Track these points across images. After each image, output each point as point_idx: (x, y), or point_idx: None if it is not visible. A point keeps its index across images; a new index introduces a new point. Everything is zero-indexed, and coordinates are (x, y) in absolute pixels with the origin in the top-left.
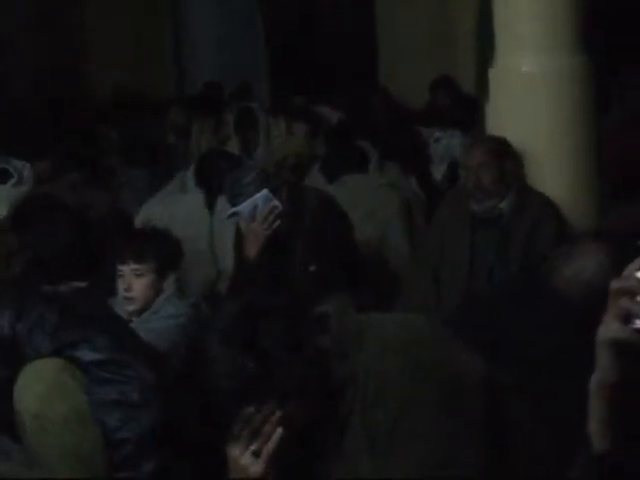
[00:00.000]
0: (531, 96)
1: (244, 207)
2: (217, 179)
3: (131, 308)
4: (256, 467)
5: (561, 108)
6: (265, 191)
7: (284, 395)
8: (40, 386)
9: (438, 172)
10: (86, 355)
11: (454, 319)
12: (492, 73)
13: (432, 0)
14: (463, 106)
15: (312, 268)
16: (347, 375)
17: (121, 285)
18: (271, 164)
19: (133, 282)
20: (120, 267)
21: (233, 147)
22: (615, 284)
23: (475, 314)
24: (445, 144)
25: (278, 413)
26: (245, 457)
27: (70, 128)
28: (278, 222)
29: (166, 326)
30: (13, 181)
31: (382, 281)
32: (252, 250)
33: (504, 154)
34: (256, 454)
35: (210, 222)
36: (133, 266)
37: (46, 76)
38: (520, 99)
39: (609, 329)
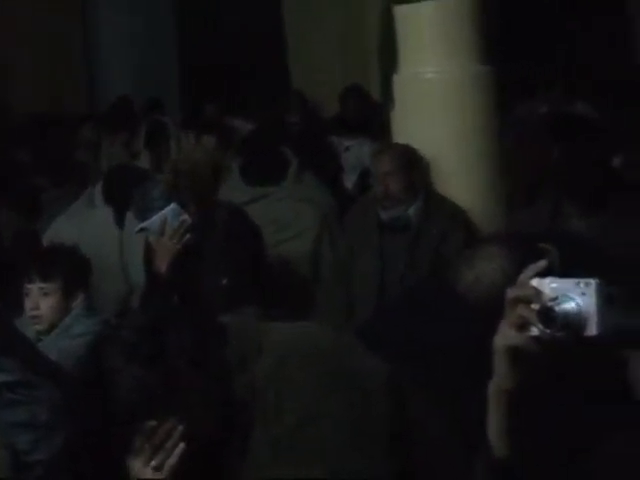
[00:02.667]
0: (435, 102)
1: (153, 222)
2: (125, 194)
3: (38, 327)
4: None
5: (464, 114)
6: (174, 205)
7: (186, 409)
8: None
9: (349, 181)
10: None
11: (366, 326)
12: (396, 80)
13: (340, 9)
14: (373, 114)
15: (223, 282)
16: (247, 385)
17: (28, 304)
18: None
19: (40, 301)
20: (27, 286)
21: (144, 162)
22: (510, 292)
23: (384, 320)
24: (356, 153)
25: (180, 427)
26: (146, 472)
27: None
28: (188, 236)
29: (75, 345)
30: None
31: (295, 294)
32: (162, 265)
33: (411, 161)
34: (158, 469)
35: (120, 237)
36: (40, 285)
37: None
38: (424, 105)
39: (505, 336)
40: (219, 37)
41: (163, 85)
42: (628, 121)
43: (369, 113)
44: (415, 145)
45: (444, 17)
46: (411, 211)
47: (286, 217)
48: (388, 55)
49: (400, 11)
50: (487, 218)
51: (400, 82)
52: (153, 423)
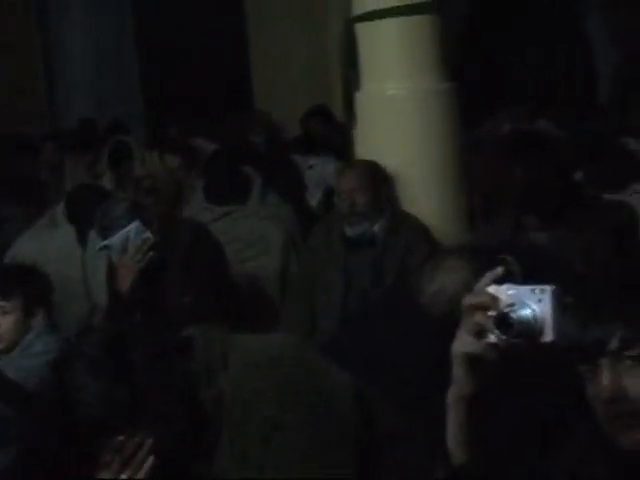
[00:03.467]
0: (397, 119)
1: (115, 240)
2: (88, 213)
3: None
4: None
5: (427, 131)
6: (137, 223)
7: (154, 422)
8: None
9: (313, 199)
10: None
11: (331, 340)
12: (359, 97)
13: (303, 27)
14: (337, 133)
15: (186, 299)
16: (214, 397)
17: None
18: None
19: None
20: None
21: (107, 182)
22: (468, 300)
23: (348, 333)
24: (319, 171)
25: (149, 441)
26: None
27: None
28: (151, 254)
29: (36, 363)
30: None
31: (260, 311)
32: (125, 283)
33: (376, 177)
34: None
35: (82, 256)
36: None
37: None
38: (386, 122)
39: (463, 343)
40: (182, 58)
41: (126, 107)
42: (588, 137)
43: (332, 133)
44: (378, 161)
45: (406, 34)
46: (376, 227)
47: (251, 235)
48: (350, 72)
49: (362, 28)
50: (449, 233)
51: (363, 99)
52: (121, 437)
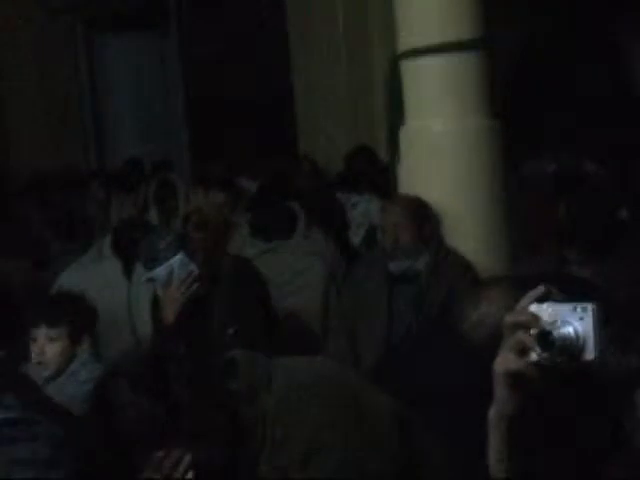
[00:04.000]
0: (441, 156)
1: (160, 272)
2: (133, 246)
3: (45, 373)
4: None
5: (470, 167)
6: (181, 255)
7: (193, 439)
8: None
9: (356, 237)
10: None
11: (373, 366)
12: (403, 134)
13: (348, 66)
14: (380, 172)
15: (230, 332)
16: (256, 417)
17: (34, 349)
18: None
19: (46, 347)
20: (33, 331)
21: (153, 218)
22: (509, 318)
23: (391, 360)
24: (363, 209)
25: (188, 457)
26: None
27: None
28: (195, 286)
29: (81, 390)
30: None
31: (302, 345)
32: (169, 315)
33: (420, 213)
34: None
35: (127, 289)
36: (46, 330)
37: None
38: (430, 159)
39: (505, 361)
40: (228, 100)
41: (171, 145)
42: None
43: (375, 172)
44: (422, 197)
45: (451, 71)
46: (420, 263)
47: (294, 270)
48: (395, 109)
49: (407, 65)
50: (492, 270)
51: (407, 135)
52: (161, 453)
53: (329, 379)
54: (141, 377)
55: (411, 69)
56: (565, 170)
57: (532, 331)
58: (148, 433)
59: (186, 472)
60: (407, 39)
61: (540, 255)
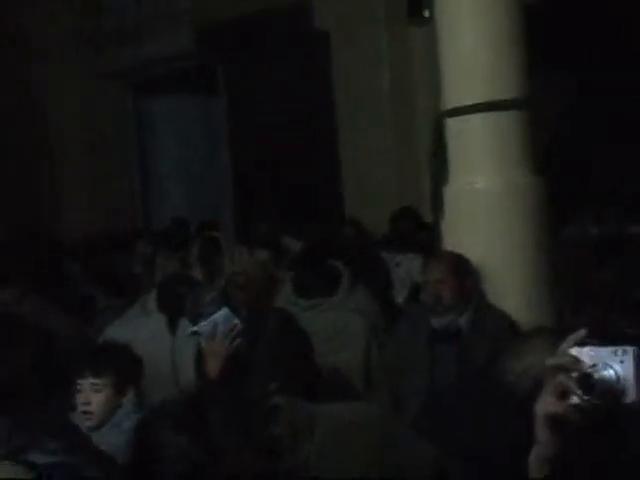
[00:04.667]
0: (484, 213)
1: (204, 326)
2: (178, 301)
3: (89, 423)
4: None
5: (514, 225)
6: (225, 309)
7: None
8: None
9: (400, 295)
10: (39, 459)
11: (415, 416)
12: (447, 191)
13: (393, 126)
14: (424, 233)
15: (272, 387)
16: (299, 462)
17: (79, 399)
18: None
19: (91, 396)
20: (79, 381)
21: (197, 276)
22: (550, 361)
23: (431, 410)
24: (406, 268)
25: None
26: None
27: (37, 262)
28: (238, 341)
29: (124, 440)
30: None
31: (342, 401)
32: (213, 368)
33: (462, 270)
34: None
35: (172, 344)
36: (91, 380)
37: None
38: (474, 216)
39: (546, 404)
40: (273, 161)
41: (217, 206)
42: None
43: (419, 232)
44: (465, 254)
45: (495, 129)
46: (462, 319)
47: (336, 327)
48: (439, 166)
49: (451, 123)
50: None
51: (450, 193)
52: None
53: (372, 426)
54: (182, 418)
55: (455, 127)
56: (608, 232)
57: (573, 374)
58: (187, 474)
59: None
60: (452, 98)
61: (582, 317)
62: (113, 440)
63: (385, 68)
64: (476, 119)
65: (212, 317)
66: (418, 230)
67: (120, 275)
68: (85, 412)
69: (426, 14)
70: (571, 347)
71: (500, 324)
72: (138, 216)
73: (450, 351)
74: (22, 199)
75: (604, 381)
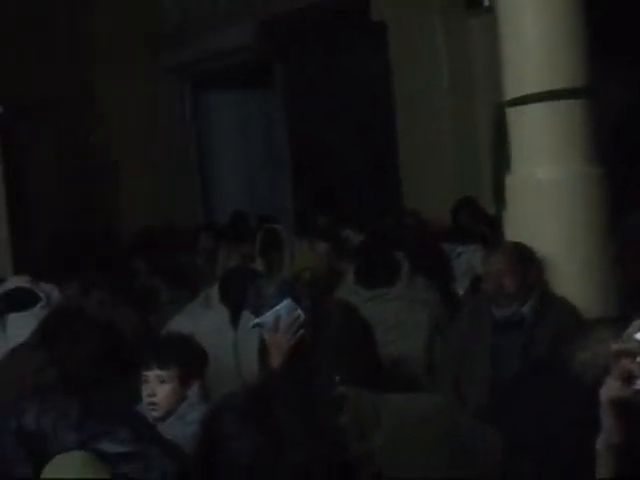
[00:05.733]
0: (547, 203)
1: (267, 317)
2: (240, 294)
3: (155, 414)
4: None
5: (576, 214)
6: (288, 301)
7: (300, 472)
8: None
9: (460, 286)
10: (110, 447)
11: (479, 407)
12: (509, 181)
13: (453, 115)
14: (485, 224)
15: (336, 379)
16: (365, 452)
17: (145, 391)
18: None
19: (157, 388)
20: (145, 373)
21: (258, 268)
22: (615, 346)
23: (496, 401)
24: (467, 259)
25: None
26: None
27: (101, 256)
28: (301, 332)
29: (190, 431)
30: (42, 303)
31: (405, 392)
32: (276, 360)
33: (525, 259)
34: None
35: (234, 336)
36: (157, 372)
37: (77, 213)
38: (536, 206)
39: (611, 389)
40: (332, 153)
41: (277, 199)
42: None
43: (480, 223)
44: (527, 244)
45: (558, 119)
46: (525, 309)
47: (398, 317)
48: (500, 156)
49: (514, 112)
50: (600, 316)
51: (513, 183)
52: None
53: (439, 415)
54: (248, 410)
55: (517, 117)
56: None
57: (638, 359)
58: (254, 466)
59: None
60: (515, 86)
61: None
62: (178, 432)
63: (443, 59)
64: (538, 108)
65: (275, 309)
66: (479, 222)
67: (183, 268)
68: (150, 403)
69: (486, 3)
70: (636, 332)
71: (564, 313)
72: (199, 210)
73: (513, 341)
74: (86, 195)
75: None
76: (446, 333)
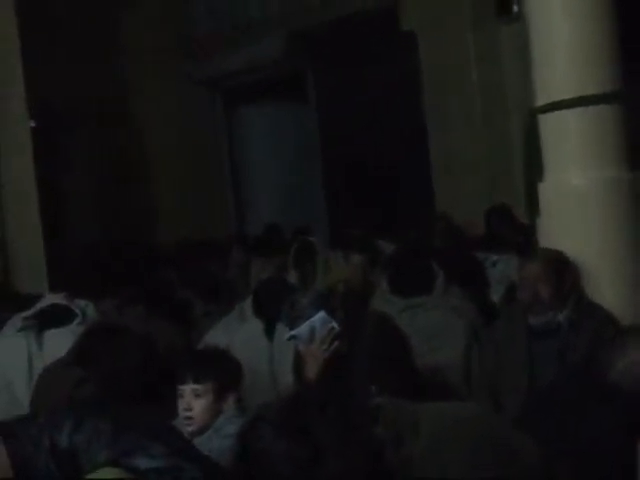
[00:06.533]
0: (581, 209)
1: (302, 329)
2: (274, 306)
3: (190, 428)
4: None
5: (610, 220)
6: (322, 313)
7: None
8: None
9: (496, 295)
10: (143, 463)
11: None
12: (543, 188)
13: (485, 122)
14: (518, 232)
15: (372, 390)
16: (402, 461)
17: (181, 405)
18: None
19: (193, 402)
20: (180, 387)
21: (292, 280)
22: None
23: (533, 409)
24: (502, 268)
25: None
26: None
27: (135, 270)
28: (336, 343)
29: (226, 444)
30: (78, 320)
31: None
32: (312, 372)
33: (560, 267)
34: None
35: (269, 349)
36: (193, 386)
37: (110, 224)
38: (570, 212)
39: None
40: (366, 165)
41: (310, 211)
42: None
43: (513, 231)
44: (562, 251)
45: (590, 124)
46: (561, 316)
47: (435, 327)
48: (533, 163)
49: (546, 119)
50: (636, 322)
51: (546, 189)
52: None
53: (477, 423)
54: (284, 422)
55: (549, 123)
56: None
57: None
58: (291, 476)
59: None
60: (546, 93)
61: None
62: (215, 445)
63: (474, 67)
64: (570, 114)
65: (309, 321)
66: (512, 229)
67: (216, 281)
68: (186, 418)
69: (515, 9)
70: None
71: (600, 320)
72: (231, 223)
73: (549, 349)
74: (119, 205)
75: None
76: (482, 342)
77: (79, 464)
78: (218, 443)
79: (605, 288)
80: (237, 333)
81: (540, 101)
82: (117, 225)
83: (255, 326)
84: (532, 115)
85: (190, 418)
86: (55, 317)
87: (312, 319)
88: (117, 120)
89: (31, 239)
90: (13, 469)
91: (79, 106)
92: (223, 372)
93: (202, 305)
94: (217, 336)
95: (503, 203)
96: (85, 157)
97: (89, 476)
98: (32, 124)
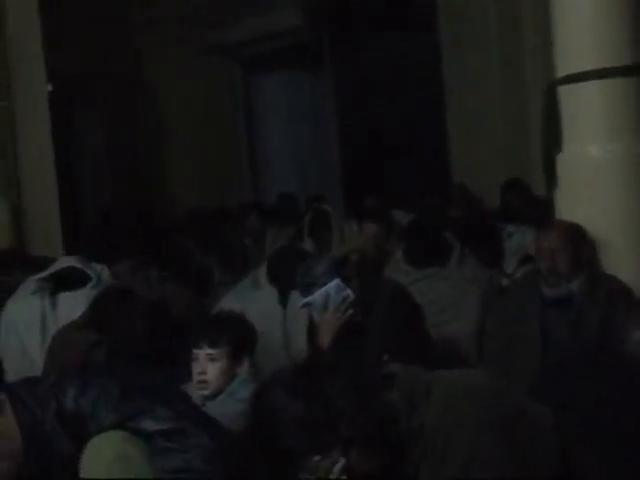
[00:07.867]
0: (599, 181)
1: (316, 297)
2: (289, 275)
3: (205, 392)
4: None
5: (629, 191)
6: (337, 280)
7: (348, 444)
8: (106, 458)
9: (510, 266)
10: (149, 425)
11: (529, 385)
12: (561, 159)
13: (503, 93)
14: (534, 206)
15: (385, 358)
16: (415, 427)
17: (195, 369)
18: None
19: (207, 366)
20: (195, 351)
21: (307, 248)
22: None
23: (546, 379)
24: (518, 240)
25: (342, 461)
26: None
27: (150, 235)
28: (350, 311)
29: (240, 409)
30: (92, 283)
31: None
32: (325, 339)
33: (578, 239)
34: None
35: (283, 316)
36: (207, 350)
37: (125, 190)
38: (589, 184)
39: None
40: (381, 134)
41: (325, 180)
42: None
43: (529, 205)
44: (579, 223)
45: (610, 96)
46: (574, 285)
47: (448, 297)
48: (552, 134)
49: (565, 91)
50: None
51: (564, 161)
52: (317, 457)
53: (488, 390)
54: (296, 384)
55: (569, 95)
56: None
57: None
58: (303, 437)
59: (339, 477)
60: (566, 65)
61: None
62: (229, 409)
63: (494, 39)
64: (589, 86)
65: (324, 288)
66: (527, 204)
67: (233, 249)
68: (201, 381)
69: None
70: None
71: (614, 292)
72: (247, 191)
73: (563, 319)
74: (134, 173)
75: None
76: (496, 312)
77: (85, 427)
78: (231, 407)
79: (621, 260)
80: (251, 301)
81: (559, 73)
82: (132, 190)
83: (269, 294)
84: (552, 87)
85: (204, 382)
86: (70, 280)
87: (326, 287)
88: (133, 88)
89: (47, 205)
90: (21, 432)
91: (95, 73)
92: (238, 336)
93: (220, 272)
94: (231, 303)
95: (518, 177)
96: (101, 121)
97: (95, 440)
98: (49, 88)
